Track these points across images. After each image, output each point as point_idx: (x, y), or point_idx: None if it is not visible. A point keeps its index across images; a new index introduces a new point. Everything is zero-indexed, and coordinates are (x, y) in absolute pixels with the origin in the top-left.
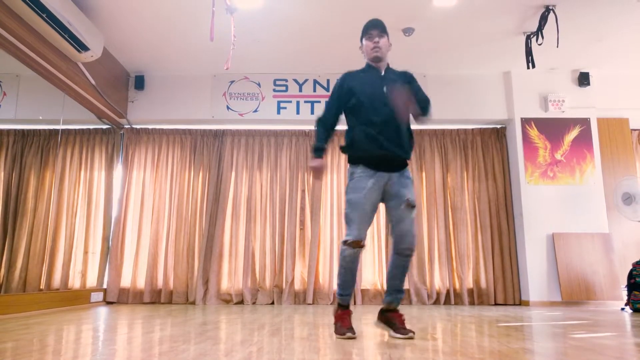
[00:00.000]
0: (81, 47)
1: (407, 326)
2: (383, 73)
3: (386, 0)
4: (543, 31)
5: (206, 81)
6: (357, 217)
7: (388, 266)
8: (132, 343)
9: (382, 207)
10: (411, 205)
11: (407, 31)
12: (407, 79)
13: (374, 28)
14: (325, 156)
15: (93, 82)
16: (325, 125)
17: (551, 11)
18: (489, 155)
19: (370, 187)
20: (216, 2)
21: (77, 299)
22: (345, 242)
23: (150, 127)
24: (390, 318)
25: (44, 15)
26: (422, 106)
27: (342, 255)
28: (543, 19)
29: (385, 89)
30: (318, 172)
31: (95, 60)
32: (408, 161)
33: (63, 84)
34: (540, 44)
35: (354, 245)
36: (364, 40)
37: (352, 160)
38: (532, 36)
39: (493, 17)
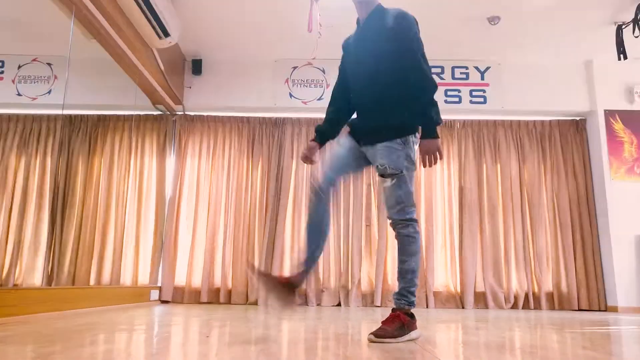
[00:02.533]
0: (164, 33)
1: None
2: (363, 24)
3: None
4: None
5: (267, 67)
6: (327, 162)
7: None
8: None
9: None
10: (381, 174)
11: (493, 20)
12: (391, 25)
13: None
14: (321, 143)
15: (162, 68)
16: (334, 100)
17: None
18: (568, 149)
19: (350, 143)
20: None
21: (140, 296)
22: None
23: (204, 114)
24: None
25: None
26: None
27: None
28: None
29: (360, 45)
30: (305, 157)
31: None
32: (408, 132)
33: (135, 70)
34: (637, 37)
35: (311, 188)
36: None
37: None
38: (623, 27)
39: (584, 8)
